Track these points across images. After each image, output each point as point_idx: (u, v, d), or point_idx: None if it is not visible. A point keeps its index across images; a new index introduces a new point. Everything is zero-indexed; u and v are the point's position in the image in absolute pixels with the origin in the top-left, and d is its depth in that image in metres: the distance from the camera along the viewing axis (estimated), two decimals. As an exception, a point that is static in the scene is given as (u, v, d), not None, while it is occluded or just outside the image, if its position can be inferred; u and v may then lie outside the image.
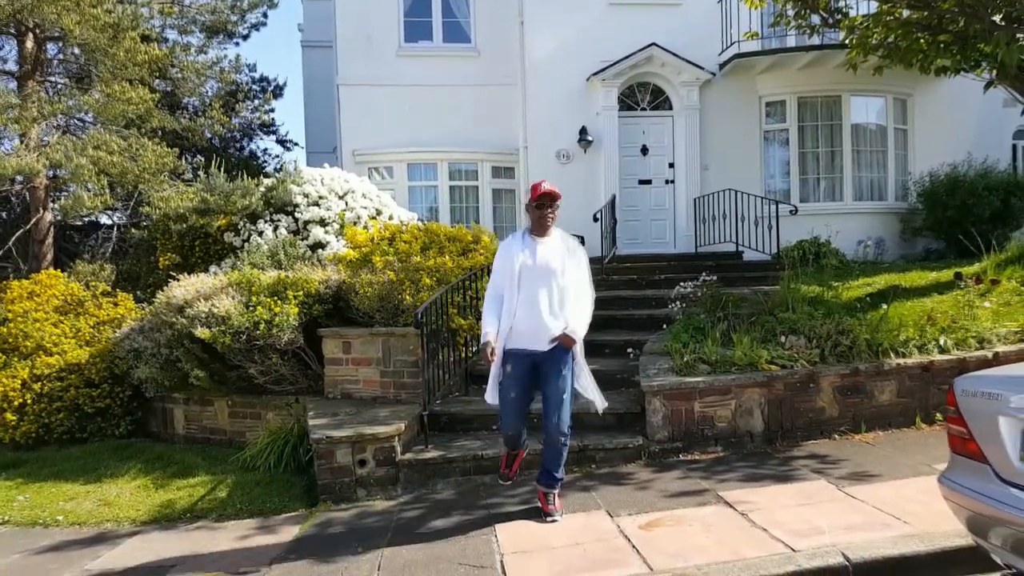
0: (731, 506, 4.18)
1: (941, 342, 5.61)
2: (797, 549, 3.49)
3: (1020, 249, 7.85)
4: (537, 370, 4.15)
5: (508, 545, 3.92)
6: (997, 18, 7.05)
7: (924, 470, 4.42)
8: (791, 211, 9.80)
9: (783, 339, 5.69)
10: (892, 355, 5.51)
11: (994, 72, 7.55)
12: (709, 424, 5.34)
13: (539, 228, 4.21)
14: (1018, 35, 6.60)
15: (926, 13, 6.95)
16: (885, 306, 6.07)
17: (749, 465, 4.96)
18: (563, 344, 4.10)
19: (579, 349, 4.23)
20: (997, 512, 2.63)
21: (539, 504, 4.36)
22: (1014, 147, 12.34)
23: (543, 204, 4.15)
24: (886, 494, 4.11)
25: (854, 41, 7.77)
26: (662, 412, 5.32)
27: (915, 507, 3.78)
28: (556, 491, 4.34)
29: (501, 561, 3.72)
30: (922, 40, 7.12)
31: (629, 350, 6.66)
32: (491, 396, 4.31)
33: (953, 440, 2.95)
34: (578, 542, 3.86)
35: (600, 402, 4.41)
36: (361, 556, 3.98)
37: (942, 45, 7.18)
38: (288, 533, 4.56)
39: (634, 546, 3.75)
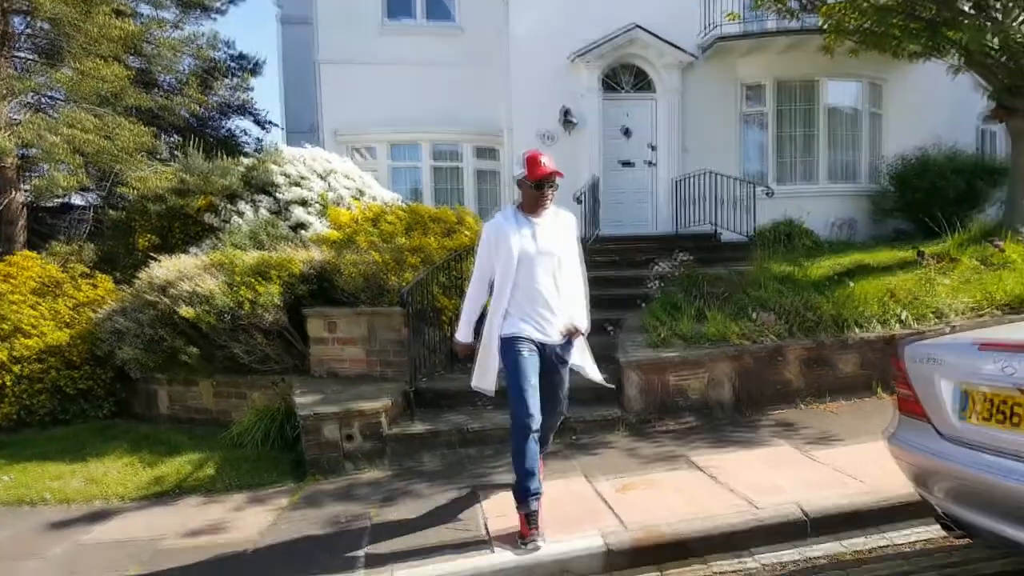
0: (701, 469, 4.43)
1: (902, 316, 5.88)
2: (759, 505, 3.74)
3: (981, 229, 8.14)
4: (545, 360, 3.79)
5: (492, 509, 4.12)
6: (966, 6, 7.30)
7: (880, 435, 4.67)
8: (767, 193, 10.03)
9: (754, 315, 5.93)
10: (856, 329, 5.77)
11: (961, 58, 7.82)
12: (683, 395, 5.58)
13: (535, 208, 3.77)
14: (984, 23, 6.85)
15: (899, 0, 7.18)
16: (851, 283, 6.33)
17: (719, 432, 5.22)
18: (571, 336, 3.86)
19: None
20: (938, 466, 2.86)
21: None
22: (981, 131, 12.65)
23: (543, 185, 3.70)
24: (845, 456, 4.37)
25: (831, 25, 7.99)
26: (638, 385, 5.54)
27: (870, 467, 4.02)
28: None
29: (485, 522, 3.92)
30: (895, 26, 7.35)
31: (609, 327, 6.85)
32: (478, 380, 4.01)
33: (900, 402, 3.18)
34: (556, 504, 4.06)
35: (599, 376, 4.25)
36: (350, 524, 4.15)
37: (913, 31, 7.43)
38: (278, 504, 4.71)
39: (610, 506, 3.98)
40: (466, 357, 4.10)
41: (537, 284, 3.70)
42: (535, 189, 3.70)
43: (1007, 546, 2.85)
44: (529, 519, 3.58)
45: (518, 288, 3.71)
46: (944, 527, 3.12)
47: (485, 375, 3.95)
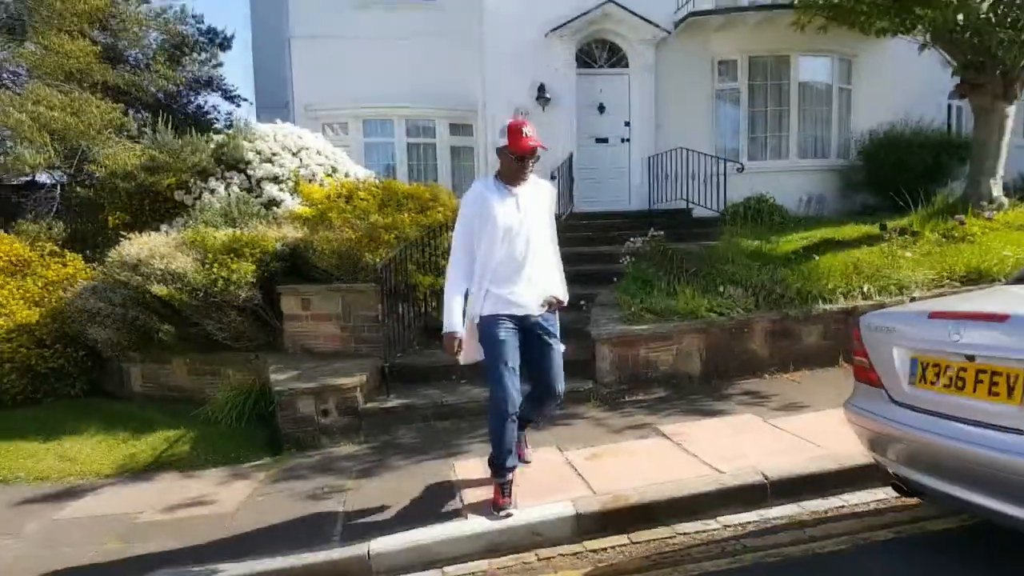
0: (668, 438, 4.57)
1: (864, 289, 6.05)
2: (723, 471, 3.88)
3: (944, 204, 8.35)
4: (527, 336, 3.69)
5: (466, 479, 4.20)
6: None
7: (841, 403, 4.85)
8: (738, 169, 10.14)
9: (722, 289, 6.07)
10: (820, 302, 5.94)
11: (928, 34, 7.94)
12: (653, 368, 5.71)
13: (515, 180, 3.67)
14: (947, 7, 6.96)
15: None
16: (817, 258, 6.48)
17: (687, 403, 5.37)
18: (550, 308, 3.76)
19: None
20: (890, 430, 2.99)
21: None
22: (948, 107, 12.87)
23: (525, 158, 3.60)
24: (806, 424, 4.54)
25: (802, 1, 8.07)
26: (610, 358, 5.66)
27: (829, 434, 4.17)
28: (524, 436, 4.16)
29: (460, 493, 4.00)
30: (864, 2, 7.44)
31: (582, 303, 6.94)
32: (465, 355, 3.80)
33: (857, 370, 3.31)
34: (529, 473, 4.17)
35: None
36: (326, 496, 4.23)
37: (881, 7, 7.52)
38: (255, 479, 4.77)
39: (579, 474, 4.10)
40: (457, 350, 3.71)
41: (519, 256, 3.59)
42: (517, 161, 3.60)
43: (953, 505, 3.01)
44: (503, 489, 3.67)
45: (500, 262, 3.60)
46: (895, 489, 3.28)
47: (468, 352, 3.79)
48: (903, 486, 3.15)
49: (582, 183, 11.49)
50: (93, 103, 9.12)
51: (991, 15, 6.96)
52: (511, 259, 3.60)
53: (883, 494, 3.63)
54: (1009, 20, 7.06)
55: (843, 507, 3.66)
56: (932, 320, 2.89)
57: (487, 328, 3.63)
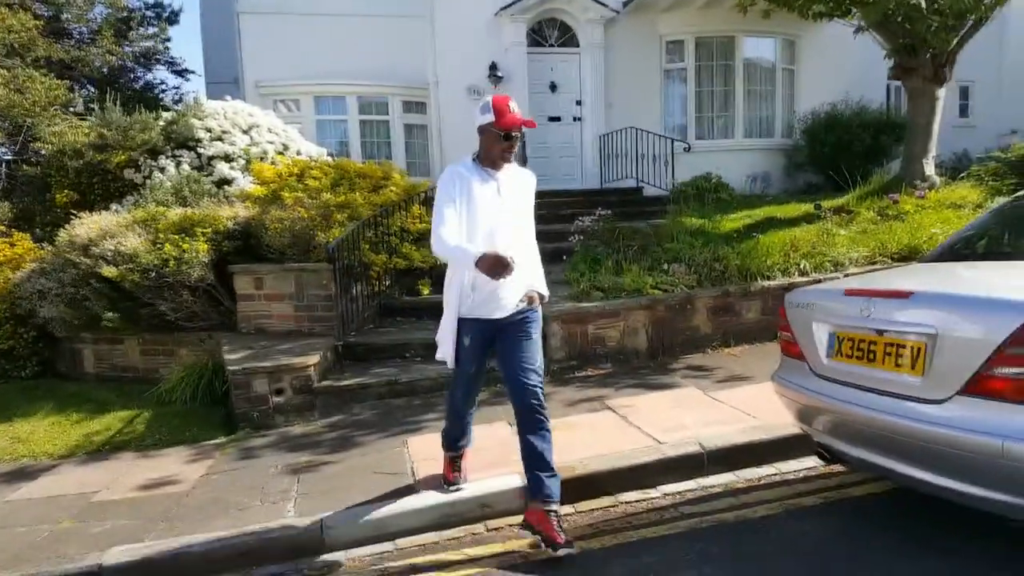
0: (615, 411, 4.78)
1: (802, 266, 6.36)
2: (663, 441, 4.10)
3: (881, 183, 8.73)
4: (501, 334, 3.39)
5: (419, 454, 4.35)
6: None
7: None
8: (685, 148, 10.39)
9: (667, 267, 6.30)
10: (759, 279, 6.23)
11: (863, 20, 8.24)
12: (602, 344, 5.92)
13: (498, 161, 3.35)
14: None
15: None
16: (758, 236, 6.76)
17: (634, 377, 5.60)
18: (531, 303, 3.44)
19: None
20: (812, 401, 3.23)
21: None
22: (888, 87, 13.32)
23: (512, 136, 3.28)
24: (744, 396, 4.80)
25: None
26: (560, 335, 5.84)
27: (765, 405, 4.39)
28: (557, 506, 3.27)
29: (412, 467, 4.16)
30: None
31: (533, 280, 7.13)
32: (439, 351, 3.56)
33: (783, 345, 3.54)
34: (481, 448, 4.32)
35: None
36: (281, 473, 4.33)
37: (819, -8, 7.78)
38: (210, 457, 4.83)
39: (528, 448, 4.26)
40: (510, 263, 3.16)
41: (498, 247, 3.17)
42: (504, 140, 3.28)
43: (869, 471, 3.26)
44: (454, 463, 3.80)
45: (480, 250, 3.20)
46: (820, 456, 3.54)
47: (443, 347, 3.53)
48: (827, 454, 3.40)
49: (535, 161, 11.56)
50: (38, 79, 8.88)
51: (921, 1, 7.26)
52: (490, 249, 3.15)
53: (812, 462, 3.86)
54: (937, 6, 7.38)
55: (776, 475, 3.90)
56: (847, 297, 3.12)
57: (460, 327, 3.42)
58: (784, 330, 3.49)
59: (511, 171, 3.42)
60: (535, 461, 3.27)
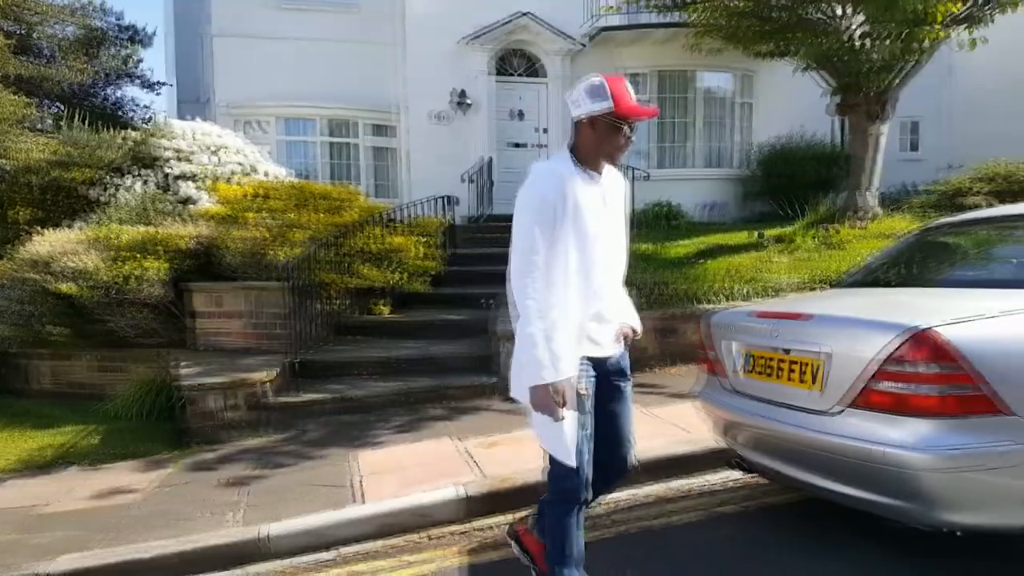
0: (555, 428, 4.95)
1: (744, 291, 6.65)
2: (597, 455, 4.29)
3: (826, 213, 9.13)
4: (598, 382, 2.65)
5: (366, 468, 4.49)
6: (813, 13, 8.11)
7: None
8: (644, 177, 10.71)
9: (616, 289, 6.52)
10: (703, 302, 6.49)
11: (807, 59, 8.70)
12: (549, 364, 6.08)
13: (613, 159, 2.65)
14: (823, 32, 7.69)
15: (752, 4, 7.92)
16: (704, 262, 7.06)
17: (581, 395, 5.78)
18: (627, 341, 2.83)
19: None
20: (729, 415, 3.47)
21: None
22: (838, 122, 13.83)
23: (633, 128, 2.58)
24: (680, 412, 5.01)
25: (697, 22, 8.69)
26: (512, 353, 6.00)
27: (698, 421, 4.64)
28: None
29: (360, 481, 4.29)
30: (747, 28, 8.11)
31: (490, 301, 7.30)
32: (552, 445, 2.62)
33: (705, 363, 3.78)
34: (426, 462, 4.50)
35: None
36: (230, 486, 4.43)
37: (764, 33, 8.21)
38: (161, 471, 4.90)
39: (476, 461, 4.45)
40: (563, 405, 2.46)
41: (598, 271, 2.58)
42: (623, 133, 2.56)
43: (780, 480, 3.48)
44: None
45: (591, 272, 2.56)
46: (739, 467, 3.74)
47: (561, 439, 2.54)
48: (745, 465, 3.63)
49: (500, 186, 11.88)
50: (5, 96, 8.90)
51: (862, 43, 7.71)
52: (590, 276, 2.56)
53: (737, 474, 4.07)
54: (874, 48, 7.84)
55: (704, 485, 4.12)
56: (759, 319, 3.37)
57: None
58: (707, 349, 3.72)
59: (611, 174, 2.72)
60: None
